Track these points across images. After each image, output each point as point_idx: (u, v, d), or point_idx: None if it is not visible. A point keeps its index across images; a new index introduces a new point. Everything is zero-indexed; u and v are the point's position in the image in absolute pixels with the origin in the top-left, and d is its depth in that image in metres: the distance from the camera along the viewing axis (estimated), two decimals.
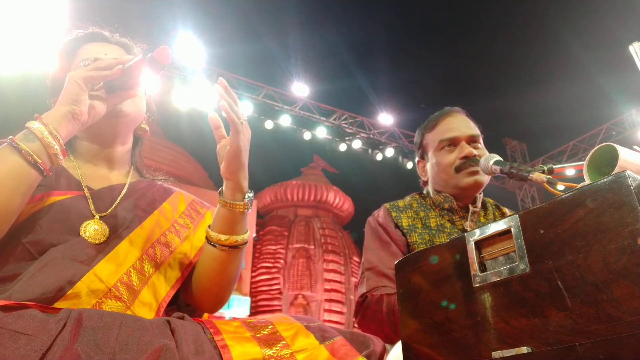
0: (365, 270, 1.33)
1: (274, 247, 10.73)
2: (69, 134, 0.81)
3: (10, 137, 0.76)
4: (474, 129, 1.41)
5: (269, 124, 7.40)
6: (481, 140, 1.41)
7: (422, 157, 1.50)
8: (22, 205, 0.77)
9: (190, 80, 6.69)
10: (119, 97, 0.90)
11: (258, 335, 0.66)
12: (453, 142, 1.38)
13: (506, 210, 1.50)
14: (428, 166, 1.47)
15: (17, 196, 0.75)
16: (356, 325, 1.32)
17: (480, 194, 1.42)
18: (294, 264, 10.57)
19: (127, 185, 0.98)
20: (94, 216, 0.87)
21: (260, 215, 11.44)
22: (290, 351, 0.62)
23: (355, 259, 11.15)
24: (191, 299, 0.99)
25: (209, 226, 0.92)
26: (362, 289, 1.30)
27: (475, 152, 1.34)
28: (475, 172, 1.32)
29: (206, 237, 0.91)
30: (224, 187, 0.89)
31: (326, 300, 10.26)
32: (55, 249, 0.79)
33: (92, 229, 0.85)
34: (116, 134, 0.99)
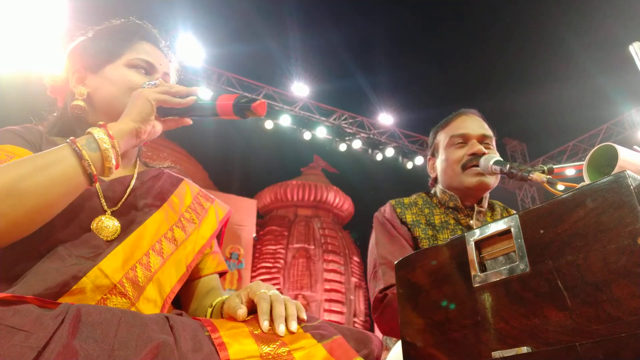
0: (380, 265, 1.32)
1: (274, 247, 10.71)
2: (126, 149, 0.82)
3: (71, 138, 0.76)
4: (486, 130, 1.41)
5: (269, 124, 7.39)
6: (493, 143, 1.41)
7: (433, 154, 1.51)
8: (62, 208, 0.76)
9: (190, 81, 6.69)
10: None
11: (256, 332, 0.66)
12: (464, 139, 1.38)
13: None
14: (437, 162, 1.47)
15: (62, 201, 0.74)
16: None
17: (486, 195, 1.42)
18: (294, 264, 10.55)
19: (135, 177, 0.96)
20: (105, 211, 0.86)
21: (260, 215, 11.43)
22: (288, 349, 0.62)
23: (356, 259, 11.14)
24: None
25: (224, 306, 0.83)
26: (380, 285, 1.28)
27: (485, 151, 1.34)
28: (482, 173, 1.31)
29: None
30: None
31: (326, 300, 10.24)
32: (62, 245, 0.78)
33: (104, 226, 0.84)
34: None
